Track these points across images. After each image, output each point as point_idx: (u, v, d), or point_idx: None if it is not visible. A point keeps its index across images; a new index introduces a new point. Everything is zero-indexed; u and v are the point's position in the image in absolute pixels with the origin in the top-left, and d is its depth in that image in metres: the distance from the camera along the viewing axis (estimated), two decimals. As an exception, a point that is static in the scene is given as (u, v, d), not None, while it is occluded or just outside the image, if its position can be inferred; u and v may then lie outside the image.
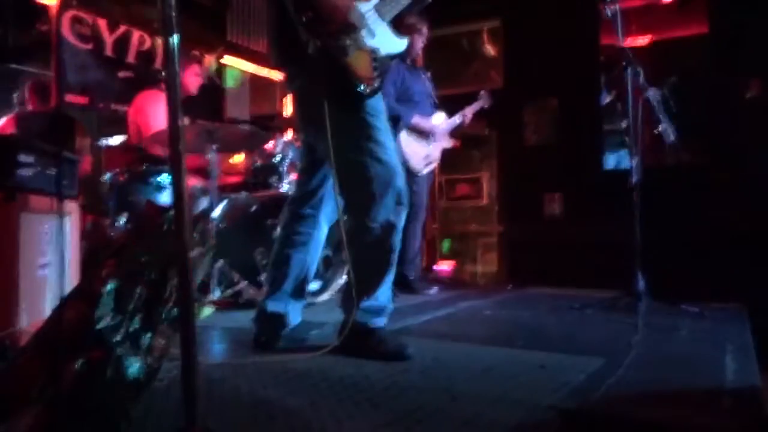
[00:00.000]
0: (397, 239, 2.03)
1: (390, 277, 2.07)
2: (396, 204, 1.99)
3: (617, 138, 4.75)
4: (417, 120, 3.94)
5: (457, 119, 4.15)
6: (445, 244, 5.94)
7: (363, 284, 2.03)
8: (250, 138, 3.31)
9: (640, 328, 2.47)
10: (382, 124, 1.99)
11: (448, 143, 4.14)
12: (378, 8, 1.99)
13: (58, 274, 2.19)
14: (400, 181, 2.00)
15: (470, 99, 4.29)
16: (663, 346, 2.28)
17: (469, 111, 4.20)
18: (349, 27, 1.87)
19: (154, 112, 3.74)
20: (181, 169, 1.12)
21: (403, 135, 3.88)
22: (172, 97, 1.12)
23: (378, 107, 1.99)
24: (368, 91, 1.93)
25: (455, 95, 4.64)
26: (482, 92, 4.30)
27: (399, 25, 3.91)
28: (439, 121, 4.08)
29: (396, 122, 3.78)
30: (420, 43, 4.03)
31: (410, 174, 3.88)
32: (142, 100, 3.90)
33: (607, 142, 4.79)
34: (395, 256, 2.05)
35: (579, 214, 4.67)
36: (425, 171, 4.03)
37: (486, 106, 4.28)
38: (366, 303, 2.02)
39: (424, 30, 4.01)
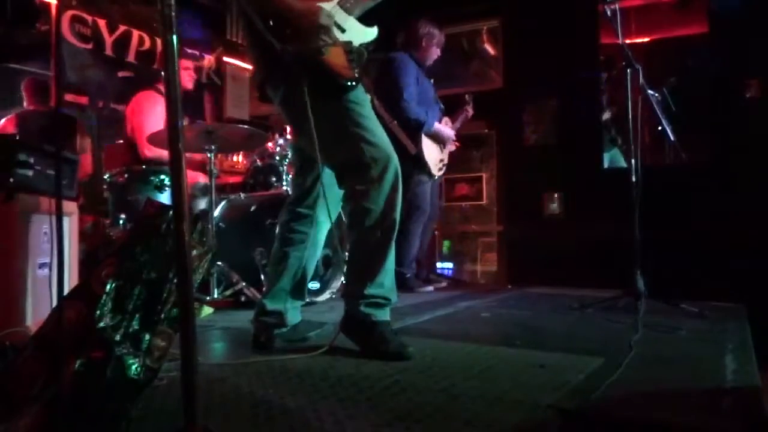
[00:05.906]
0: (397, 218, 2.04)
1: (391, 260, 2.07)
2: (394, 184, 2.01)
3: (607, 136, 4.77)
4: (438, 127, 4.09)
5: (458, 124, 4.32)
6: (446, 245, 5.93)
7: (365, 269, 2.04)
8: (249, 138, 3.30)
9: (640, 328, 2.47)
10: (367, 111, 2.04)
11: (453, 147, 4.31)
12: (342, 5, 2.02)
13: (57, 274, 2.18)
14: (396, 161, 2.03)
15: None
16: (663, 345, 2.28)
17: (469, 111, 4.37)
18: (319, 28, 1.90)
19: (149, 114, 3.72)
20: (181, 169, 1.12)
21: (425, 140, 4.00)
22: (172, 97, 1.12)
23: (361, 96, 2.03)
24: (351, 84, 1.98)
25: (455, 95, 4.64)
26: (467, 96, 4.42)
27: (411, 35, 4.03)
28: (449, 126, 4.25)
29: (420, 126, 3.93)
30: (436, 51, 4.16)
31: (428, 178, 4.05)
32: (138, 101, 3.87)
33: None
34: (394, 235, 2.05)
35: (579, 214, 4.67)
36: (440, 174, 4.21)
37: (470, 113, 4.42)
38: (370, 290, 2.02)
39: (440, 38, 4.13)
